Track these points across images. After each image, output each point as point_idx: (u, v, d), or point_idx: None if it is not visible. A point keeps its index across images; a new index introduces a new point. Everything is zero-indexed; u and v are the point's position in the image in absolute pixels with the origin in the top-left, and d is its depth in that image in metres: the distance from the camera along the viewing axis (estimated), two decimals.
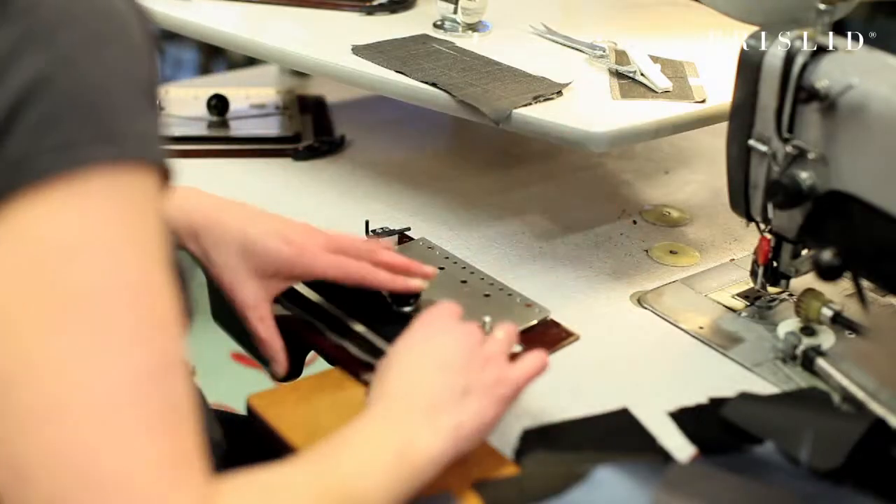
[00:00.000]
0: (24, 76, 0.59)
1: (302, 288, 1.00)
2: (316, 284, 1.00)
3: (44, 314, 0.58)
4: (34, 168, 0.58)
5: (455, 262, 1.07)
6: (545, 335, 0.98)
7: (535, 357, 0.83)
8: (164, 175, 0.64)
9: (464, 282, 1.04)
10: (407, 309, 0.97)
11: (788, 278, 0.99)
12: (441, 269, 1.05)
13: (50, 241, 0.58)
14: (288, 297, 0.98)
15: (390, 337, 0.88)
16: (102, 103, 0.60)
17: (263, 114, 1.43)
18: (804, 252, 0.97)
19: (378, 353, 0.89)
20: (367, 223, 1.11)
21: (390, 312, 0.97)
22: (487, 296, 1.02)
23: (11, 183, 0.58)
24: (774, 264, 0.98)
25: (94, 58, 0.60)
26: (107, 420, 0.57)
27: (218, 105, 1.39)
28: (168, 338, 0.61)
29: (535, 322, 0.98)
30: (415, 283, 0.96)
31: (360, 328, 0.96)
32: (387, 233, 1.11)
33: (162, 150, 0.63)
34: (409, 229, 1.13)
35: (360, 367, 0.91)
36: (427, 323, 0.83)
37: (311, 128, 1.40)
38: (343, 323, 0.97)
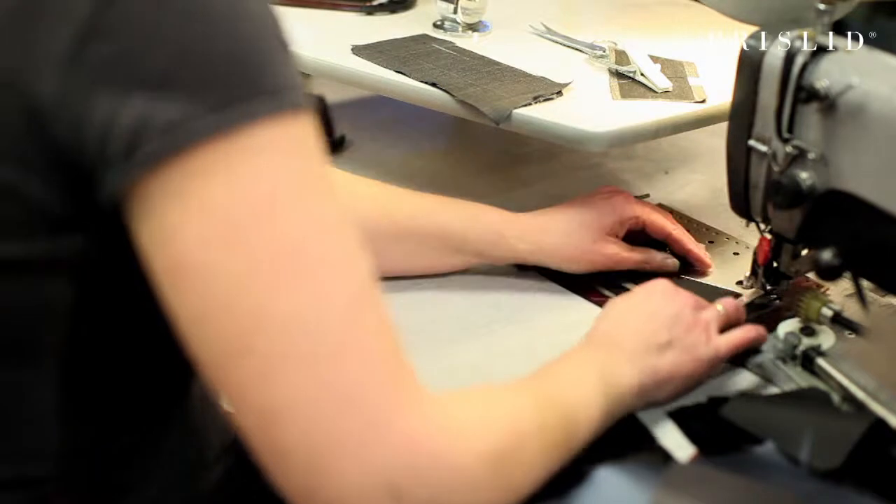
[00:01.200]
0: (170, 48, 0.60)
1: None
2: None
3: (264, 272, 0.61)
4: (197, 129, 0.60)
5: None
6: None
7: (746, 329, 0.93)
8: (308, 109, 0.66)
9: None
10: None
11: (789, 279, 0.98)
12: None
13: (243, 202, 0.61)
14: None
15: None
16: (257, 57, 0.62)
17: None
18: (804, 253, 0.97)
19: None
20: None
21: None
22: None
23: (173, 146, 0.60)
24: (774, 265, 0.99)
25: (237, 18, 0.62)
26: (341, 353, 0.62)
27: None
28: (366, 260, 0.66)
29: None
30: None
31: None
32: None
33: (302, 91, 0.65)
34: None
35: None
36: (650, 286, 0.93)
37: None
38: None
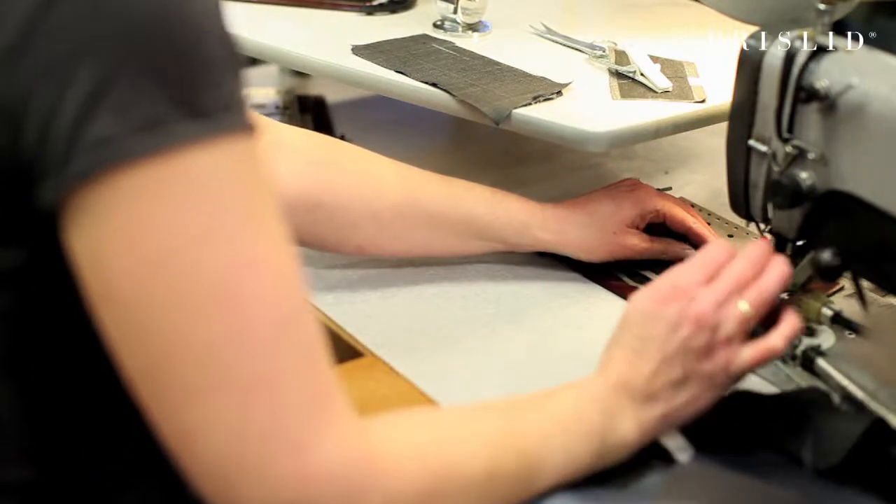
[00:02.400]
0: (102, 57, 0.58)
1: None
2: None
3: (185, 301, 0.60)
4: (122, 150, 0.58)
5: None
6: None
7: (776, 337, 0.82)
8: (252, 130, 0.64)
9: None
10: None
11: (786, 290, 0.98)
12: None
13: (172, 228, 0.60)
14: None
15: None
16: (188, 77, 0.60)
17: (263, 114, 1.42)
18: (802, 262, 0.96)
19: None
20: None
21: None
22: None
23: (98, 164, 0.58)
24: None
25: (171, 30, 0.59)
26: (259, 385, 0.62)
27: None
28: (295, 287, 0.64)
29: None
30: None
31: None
32: None
33: (247, 111, 0.63)
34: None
35: None
36: (666, 288, 0.82)
37: (312, 128, 1.40)
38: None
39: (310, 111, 1.45)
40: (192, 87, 0.60)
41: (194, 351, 0.61)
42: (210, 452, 0.62)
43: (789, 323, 0.83)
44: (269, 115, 1.42)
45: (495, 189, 1.07)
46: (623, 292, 1.06)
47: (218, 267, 0.61)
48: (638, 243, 1.07)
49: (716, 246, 0.85)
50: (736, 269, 0.82)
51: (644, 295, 0.82)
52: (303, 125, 1.40)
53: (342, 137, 1.36)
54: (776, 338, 0.82)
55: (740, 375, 0.82)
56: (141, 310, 0.60)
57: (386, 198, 1.02)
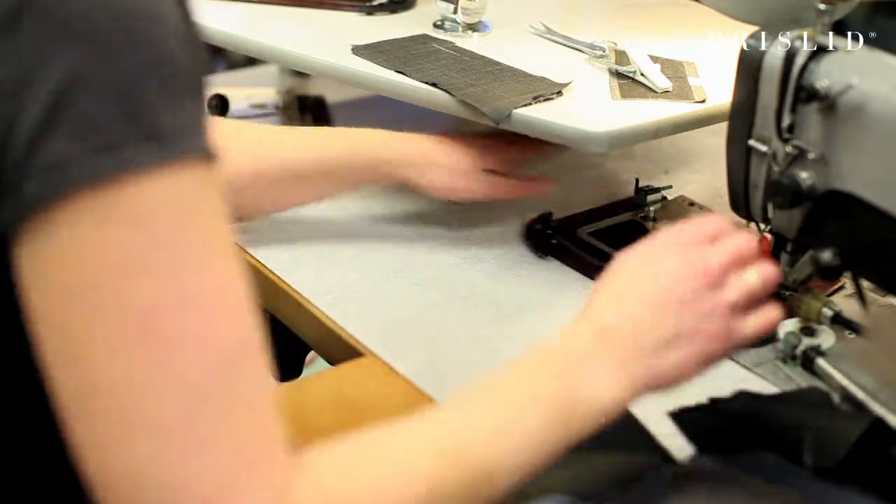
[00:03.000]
0: (58, 75, 0.55)
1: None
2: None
3: (110, 334, 0.57)
4: (77, 174, 0.56)
5: None
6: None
7: (773, 309, 0.75)
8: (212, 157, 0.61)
9: None
10: None
11: (787, 288, 0.98)
12: None
13: (99, 255, 0.56)
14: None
15: None
16: (148, 99, 0.57)
17: (263, 114, 1.43)
18: (803, 258, 0.97)
19: None
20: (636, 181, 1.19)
21: None
22: None
23: (52, 189, 0.56)
24: None
25: (131, 48, 0.57)
26: (180, 430, 0.58)
27: (218, 105, 1.39)
28: (239, 328, 0.60)
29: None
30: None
31: None
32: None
33: (208, 137, 0.60)
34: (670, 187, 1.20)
35: None
36: (666, 241, 0.75)
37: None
38: None
39: (310, 111, 1.45)
40: (153, 108, 0.57)
41: (117, 386, 0.57)
42: (121, 496, 0.58)
43: (775, 308, 0.77)
44: (268, 115, 1.42)
45: (354, 129, 1.10)
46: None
47: (151, 300, 0.57)
48: (499, 182, 1.10)
49: (717, 217, 0.78)
50: (739, 241, 0.75)
51: (641, 245, 0.75)
52: (303, 125, 1.40)
53: None
54: (774, 309, 0.76)
55: (739, 347, 0.74)
56: (73, 337, 0.57)
57: (245, 159, 1.05)
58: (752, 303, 0.75)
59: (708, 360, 0.73)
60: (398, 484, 0.63)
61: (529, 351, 0.72)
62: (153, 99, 0.57)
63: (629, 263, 0.75)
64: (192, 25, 0.62)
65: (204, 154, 0.59)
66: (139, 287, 0.57)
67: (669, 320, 0.71)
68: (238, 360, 0.59)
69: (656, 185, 1.21)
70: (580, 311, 0.74)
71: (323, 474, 0.62)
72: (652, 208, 1.19)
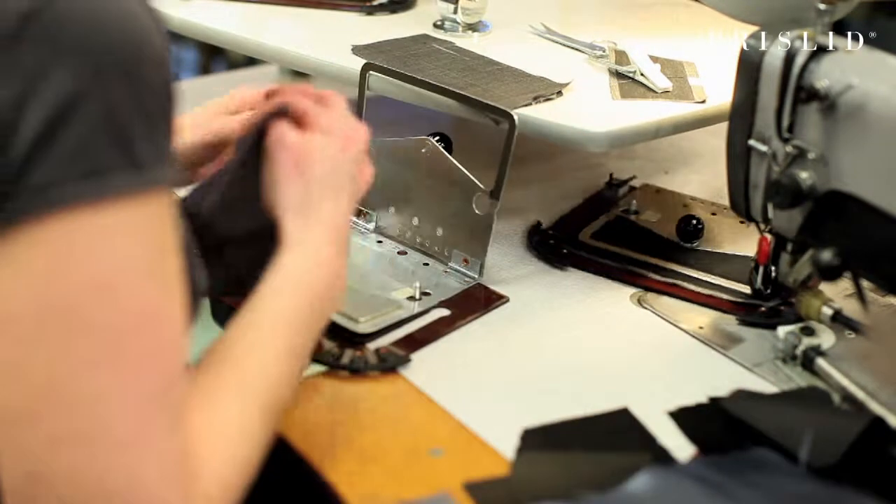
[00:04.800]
0: (53, 98, 0.58)
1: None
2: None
3: (76, 348, 0.60)
4: (62, 196, 0.58)
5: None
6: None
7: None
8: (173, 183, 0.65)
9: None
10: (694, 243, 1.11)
11: (787, 288, 0.98)
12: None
13: (74, 273, 0.59)
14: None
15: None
16: (132, 127, 0.60)
17: None
18: (803, 258, 0.97)
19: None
20: None
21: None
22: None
23: (37, 209, 0.58)
24: (773, 274, 0.99)
25: (124, 77, 0.60)
26: (124, 443, 0.61)
27: None
28: (181, 347, 0.64)
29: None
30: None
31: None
32: None
33: (173, 167, 0.64)
34: None
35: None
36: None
37: None
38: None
39: None
40: (137, 136, 0.60)
41: (71, 399, 0.59)
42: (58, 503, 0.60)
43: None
44: None
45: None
46: (626, 278, 1.07)
47: (116, 319, 0.60)
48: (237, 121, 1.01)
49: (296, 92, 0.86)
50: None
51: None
52: None
53: None
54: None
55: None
56: (31, 346, 0.59)
57: None
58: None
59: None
60: (250, 444, 0.70)
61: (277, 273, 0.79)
62: (137, 128, 0.60)
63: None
64: (168, 52, 0.63)
65: (170, 181, 0.63)
66: (107, 305, 0.60)
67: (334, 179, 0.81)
68: (180, 378, 0.64)
69: (655, 186, 1.21)
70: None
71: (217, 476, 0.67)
72: (626, 201, 1.21)
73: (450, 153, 1.10)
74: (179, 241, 0.65)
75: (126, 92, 0.59)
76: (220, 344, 0.74)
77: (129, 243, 0.61)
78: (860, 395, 0.87)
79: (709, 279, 1.07)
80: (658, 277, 1.07)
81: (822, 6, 0.88)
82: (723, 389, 0.89)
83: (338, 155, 0.82)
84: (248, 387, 0.72)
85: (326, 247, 0.80)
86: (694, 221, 1.12)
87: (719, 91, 1.08)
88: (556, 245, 1.12)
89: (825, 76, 0.86)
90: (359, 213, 1.14)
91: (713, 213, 1.19)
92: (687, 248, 1.12)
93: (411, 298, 1.01)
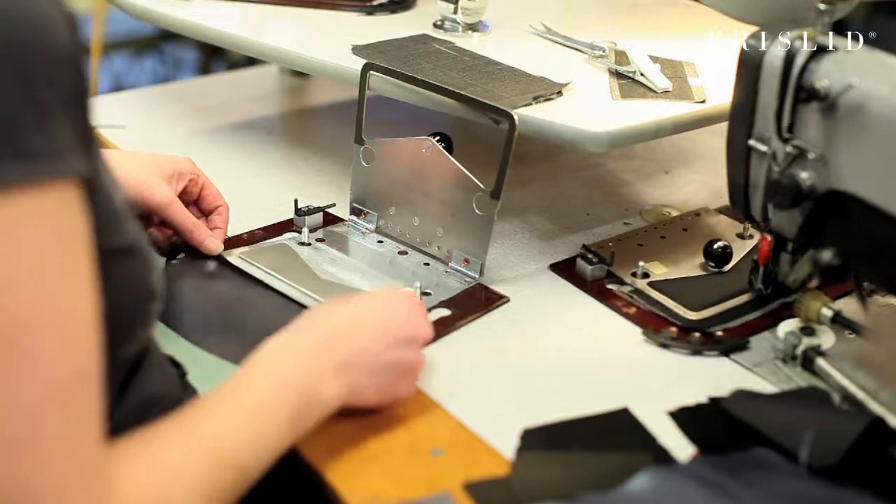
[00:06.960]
0: None
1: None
2: None
3: None
4: None
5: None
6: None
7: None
8: (91, 180, 0.62)
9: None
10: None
11: (787, 288, 0.98)
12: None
13: None
14: None
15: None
16: (20, 117, 0.58)
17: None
18: (803, 258, 0.96)
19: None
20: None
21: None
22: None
23: None
24: (773, 275, 0.99)
25: (7, 69, 0.58)
26: (14, 446, 0.59)
27: None
28: (88, 350, 0.62)
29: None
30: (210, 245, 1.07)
31: None
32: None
33: (87, 159, 0.61)
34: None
35: None
36: (396, 294, 0.89)
37: None
38: None
39: None
40: (26, 128, 0.58)
41: None
42: None
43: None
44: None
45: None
46: (612, 303, 1.04)
47: (10, 319, 0.58)
48: (171, 198, 1.05)
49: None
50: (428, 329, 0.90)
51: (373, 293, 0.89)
52: None
53: None
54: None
55: (394, 399, 0.87)
56: None
57: None
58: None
59: (388, 395, 0.85)
60: (188, 485, 0.68)
61: (263, 354, 0.79)
62: (26, 119, 0.58)
63: (362, 301, 0.87)
64: (78, 47, 0.62)
65: (76, 177, 0.60)
66: (2, 304, 0.58)
67: (380, 347, 0.83)
68: (84, 383, 0.62)
69: (655, 186, 1.21)
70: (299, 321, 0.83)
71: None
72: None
73: (450, 153, 1.10)
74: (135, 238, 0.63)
75: (13, 83, 0.58)
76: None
77: (24, 237, 0.58)
78: (860, 395, 0.87)
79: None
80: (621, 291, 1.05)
81: (822, 6, 0.88)
82: (723, 389, 0.89)
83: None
84: (198, 431, 0.71)
85: (319, 360, 0.79)
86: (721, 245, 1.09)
87: (719, 91, 1.08)
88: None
89: (825, 76, 0.86)
90: (359, 213, 1.14)
91: (739, 235, 1.16)
92: None
93: None
